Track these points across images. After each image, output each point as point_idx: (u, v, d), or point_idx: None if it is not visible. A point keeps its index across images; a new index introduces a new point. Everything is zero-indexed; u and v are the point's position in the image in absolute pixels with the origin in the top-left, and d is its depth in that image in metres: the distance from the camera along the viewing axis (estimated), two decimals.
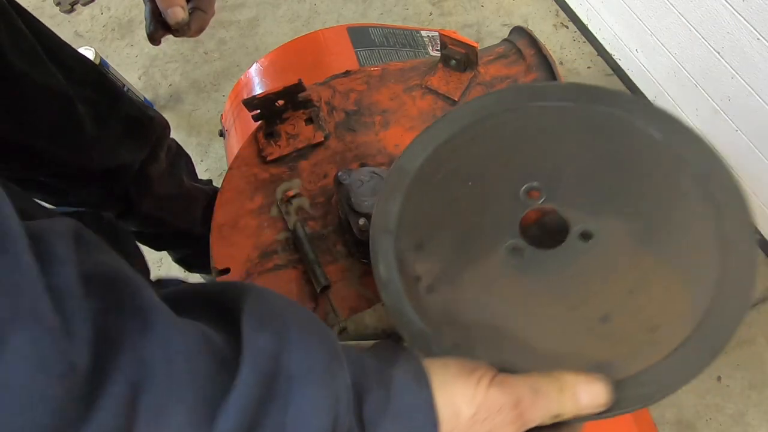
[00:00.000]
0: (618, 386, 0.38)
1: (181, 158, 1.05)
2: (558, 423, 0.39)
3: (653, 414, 0.92)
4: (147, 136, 0.91)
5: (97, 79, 0.84)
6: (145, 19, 0.68)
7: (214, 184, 1.23)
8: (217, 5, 0.70)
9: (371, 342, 0.42)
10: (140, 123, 0.90)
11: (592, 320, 0.41)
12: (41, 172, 0.81)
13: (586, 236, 0.43)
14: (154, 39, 0.69)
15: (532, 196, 0.46)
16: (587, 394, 0.37)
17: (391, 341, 0.42)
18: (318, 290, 0.61)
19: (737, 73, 1.06)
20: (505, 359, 0.40)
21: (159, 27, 0.67)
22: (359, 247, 0.63)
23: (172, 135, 1.02)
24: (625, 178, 0.46)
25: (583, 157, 0.47)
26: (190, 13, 0.67)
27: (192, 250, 1.16)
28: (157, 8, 0.65)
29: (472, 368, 0.36)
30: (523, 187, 0.47)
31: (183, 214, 1.05)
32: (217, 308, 0.32)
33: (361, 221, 0.56)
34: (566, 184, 0.46)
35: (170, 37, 0.67)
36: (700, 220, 0.42)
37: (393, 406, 0.33)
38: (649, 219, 0.43)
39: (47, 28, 0.78)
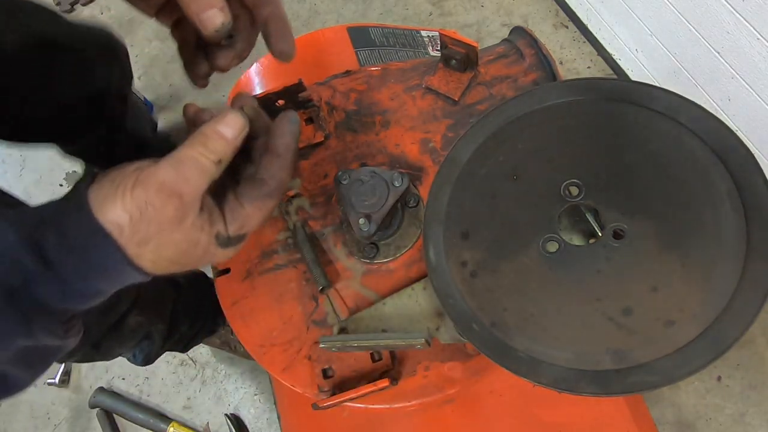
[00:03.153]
0: (631, 372, 0.42)
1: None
2: (259, 177, 0.44)
3: (653, 414, 0.92)
4: (114, 49, 0.87)
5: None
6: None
7: None
8: None
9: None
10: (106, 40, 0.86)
11: (614, 312, 0.44)
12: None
13: (618, 235, 0.47)
14: (196, 77, 0.53)
15: (571, 194, 0.49)
16: (227, 126, 0.41)
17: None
18: (318, 290, 0.61)
19: (737, 73, 1.06)
20: (533, 340, 0.45)
21: (199, 58, 0.52)
22: (359, 247, 0.63)
23: None
24: (662, 180, 0.48)
25: (624, 156, 0.50)
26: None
27: None
28: (190, 39, 0.52)
29: (118, 183, 0.38)
30: (563, 184, 0.50)
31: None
32: None
33: (361, 221, 0.56)
34: (604, 183, 0.49)
35: (170, 36, 0.55)
36: (729, 227, 0.44)
37: (68, 239, 0.36)
38: (679, 222, 0.46)
39: None
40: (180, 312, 1.01)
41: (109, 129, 0.93)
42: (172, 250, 0.39)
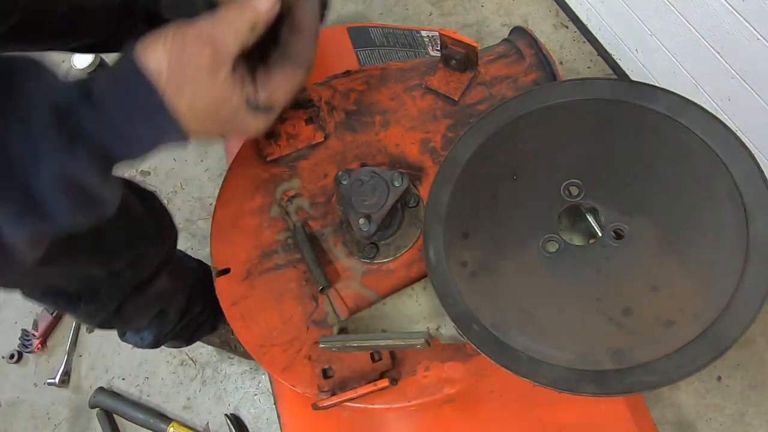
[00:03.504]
0: (631, 372, 0.42)
1: None
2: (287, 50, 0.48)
3: (653, 414, 0.92)
4: None
5: None
6: None
7: (214, 183, 1.22)
8: None
9: None
10: None
11: (614, 312, 0.44)
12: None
13: (618, 235, 0.47)
14: None
15: (571, 194, 0.49)
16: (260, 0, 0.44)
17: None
18: (318, 290, 0.61)
19: (737, 73, 1.06)
20: (533, 340, 0.45)
21: None
22: (359, 247, 0.63)
23: None
24: (662, 180, 0.48)
25: (624, 156, 0.50)
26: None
27: None
28: None
29: (159, 35, 0.42)
30: (564, 184, 0.50)
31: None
32: None
33: (361, 221, 0.56)
34: (605, 183, 0.49)
35: None
36: (729, 227, 0.44)
37: (112, 78, 0.42)
38: (679, 222, 0.46)
39: None
40: (195, 292, 1.02)
41: (125, 16, 0.90)
42: (206, 101, 0.43)
